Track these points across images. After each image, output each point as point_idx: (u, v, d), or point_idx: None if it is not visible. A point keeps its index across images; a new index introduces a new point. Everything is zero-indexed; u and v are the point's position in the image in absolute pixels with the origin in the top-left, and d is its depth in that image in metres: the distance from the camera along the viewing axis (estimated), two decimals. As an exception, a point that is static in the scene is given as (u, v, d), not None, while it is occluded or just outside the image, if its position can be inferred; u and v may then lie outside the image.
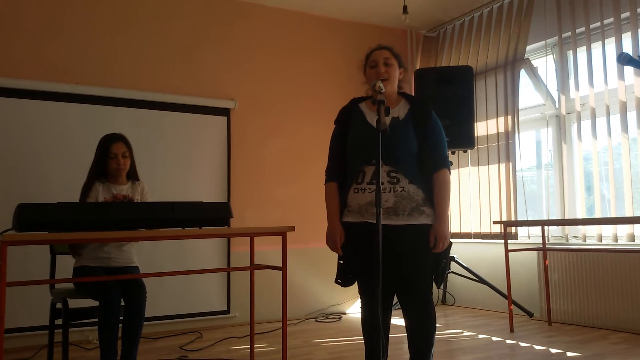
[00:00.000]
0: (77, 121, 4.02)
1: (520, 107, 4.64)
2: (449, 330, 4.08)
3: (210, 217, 2.63)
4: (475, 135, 4.61)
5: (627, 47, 3.92)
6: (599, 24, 4.08)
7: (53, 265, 3.08)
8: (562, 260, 4.18)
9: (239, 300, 4.44)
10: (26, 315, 3.65)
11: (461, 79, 4.51)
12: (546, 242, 4.19)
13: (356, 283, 2.34)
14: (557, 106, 4.53)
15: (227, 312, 4.46)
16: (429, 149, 2.26)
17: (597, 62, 4.10)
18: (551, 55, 4.56)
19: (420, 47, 5.55)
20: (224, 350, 3.56)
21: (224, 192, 4.54)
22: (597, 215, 4.09)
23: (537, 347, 3.44)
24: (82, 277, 2.89)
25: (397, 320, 2.52)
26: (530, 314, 4.44)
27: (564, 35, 4.37)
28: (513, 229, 4.49)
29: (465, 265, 4.80)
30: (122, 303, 2.82)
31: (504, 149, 4.62)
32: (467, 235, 4.96)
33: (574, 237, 4.27)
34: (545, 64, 4.54)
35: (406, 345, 2.31)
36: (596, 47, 4.15)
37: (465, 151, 4.74)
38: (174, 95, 4.39)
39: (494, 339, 3.74)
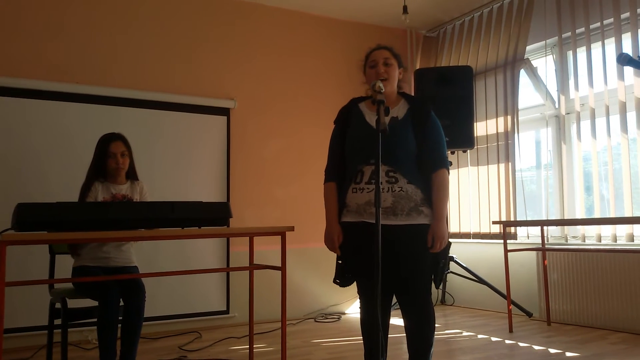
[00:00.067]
0: (76, 121, 4.02)
1: (519, 107, 4.64)
2: (448, 330, 4.08)
3: (209, 217, 2.63)
4: (475, 135, 4.61)
5: (627, 48, 3.92)
6: (598, 24, 4.08)
7: (52, 265, 3.08)
8: (562, 261, 4.18)
9: (238, 300, 4.44)
10: (25, 315, 3.65)
11: (461, 79, 4.51)
12: (545, 242, 4.19)
13: (355, 283, 2.34)
14: (556, 106, 4.53)
15: (227, 312, 4.46)
16: (427, 149, 2.26)
17: (597, 63, 4.10)
18: (551, 56, 4.57)
19: (420, 47, 5.56)
20: (223, 351, 3.56)
21: (223, 192, 4.54)
22: (597, 215, 4.09)
23: (536, 347, 3.44)
24: (81, 277, 2.89)
25: (396, 320, 2.52)
26: (529, 314, 4.44)
27: (563, 35, 4.37)
28: (512, 229, 4.49)
29: (465, 265, 4.80)
30: (121, 303, 2.82)
31: (504, 149, 4.62)
32: (467, 235, 4.96)
33: (573, 237, 4.27)
34: (545, 64, 4.54)
35: (405, 346, 2.31)
36: (596, 48, 4.16)
37: (464, 151, 4.74)
38: (174, 95, 4.39)
39: (493, 339, 3.74)
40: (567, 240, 4.29)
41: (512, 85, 4.61)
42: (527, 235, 4.53)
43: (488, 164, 4.76)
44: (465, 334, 3.94)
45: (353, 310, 4.92)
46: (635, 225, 3.81)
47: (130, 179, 3.16)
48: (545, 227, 4.19)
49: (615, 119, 3.95)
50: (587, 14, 4.17)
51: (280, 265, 2.76)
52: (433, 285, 2.29)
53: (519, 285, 4.48)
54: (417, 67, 5.39)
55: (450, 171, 3.30)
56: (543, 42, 4.55)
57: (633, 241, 3.81)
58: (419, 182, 2.23)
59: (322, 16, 5.18)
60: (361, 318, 2.33)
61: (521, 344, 3.55)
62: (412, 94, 4.12)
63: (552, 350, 3.34)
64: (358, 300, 2.36)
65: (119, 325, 2.78)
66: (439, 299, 5.25)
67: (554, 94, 4.56)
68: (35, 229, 2.27)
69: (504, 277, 3.99)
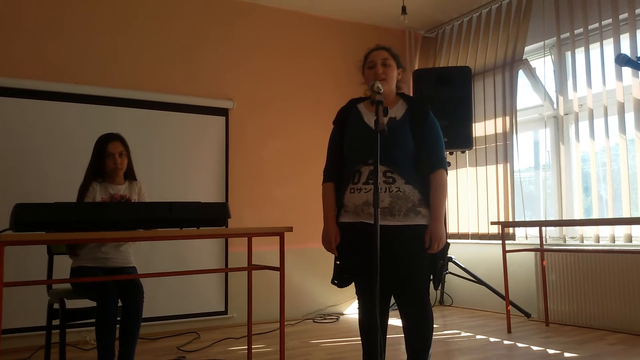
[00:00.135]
0: (75, 121, 4.02)
1: (518, 107, 4.65)
2: (446, 330, 4.09)
3: (208, 217, 2.63)
4: (474, 135, 4.62)
5: (625, 48, 3.92)
6: (597, 25, 4.09)
7: (50, 266, 3.08)
8: (560, 261, 4.19)
9: (237, 300, 4.44)
10: (23, 316, 3.64)
11: (459, 79, 4.52)
12: (544, 242, 4.20)
13: (353, 284, 2.34)
14: (555, 107, 4.54)
15: (225, 312, 4.45)
16: (426, 149, 2.26)
17: (595, 63, 4.11)
18: (549, 56, 4.57)
19: (418, 48, 5.56)
20: (221, 351, 3.55)
21: (221, 192, 4.54)
22: (595, 216, 4.09)
23: (535, 348, 3.45)
24: (79, 277, 2.89)
25: (395, 321, 2.52)
26: (527, 315, 4.44)
27: (562, 36, 4.37)
28: (511, 230, 4.49)
29: (463, 266, 4.80)
30: (120, 303, 2.81)
31: (502, 149, 4.63)
32: (465, 236, 4.97)
33: (572, 237, 4.27)
34: (543, 64, 4.55)
35: (404, 346, 2.31)
36: (594, 48, 4.16)
37: (463, 152, 4.75)
38: (173, 95, 4.39)
39: (492, 339, 3.75)
40: (565, 241, 4.29)
41: (511, 85, 4.62)
42: (526, 236, 4.53)
43: (486, 165, 4.76)
44: (463, 334, 3.95)
45: (352, 310, 4.92)
46: (633, 226, 3.81)
47: (129, 179, 3.16)
48: (543, 228, 4.20)
49: (613, 119, 3.96)
50: (586, 14, 4.17)
51: (278, 266, 2.76)
52: (431, 285, 2.29)
53: (518, 286, 4.48)
54: (416, 68, 5.39)
55: (448, 172, 3.30)
56: (541, 43, 4.55)
57: (631, 242, 3.82)
58: (416, 182, 2.23)
59: (321, 16, 5.18)
60: (360, 319, 2.33)
61: (519, 345, 3.55)
62: (411, 95, 4.12)
63: (550, 351, 3.35)
64: (356, 301, 2.36)
65: (118, 325, 2.78)
66: (438, 299, 5.25)
67: (553, 94, 4.56)
68: (33, 230, 2.27)
69: (503, 278, 3.99)
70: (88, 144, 3.16)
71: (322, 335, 4.02)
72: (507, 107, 4.63)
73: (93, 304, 2.78)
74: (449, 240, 2.30)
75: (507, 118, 4.61)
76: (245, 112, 4.72)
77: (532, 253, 4.35)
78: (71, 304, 2.77)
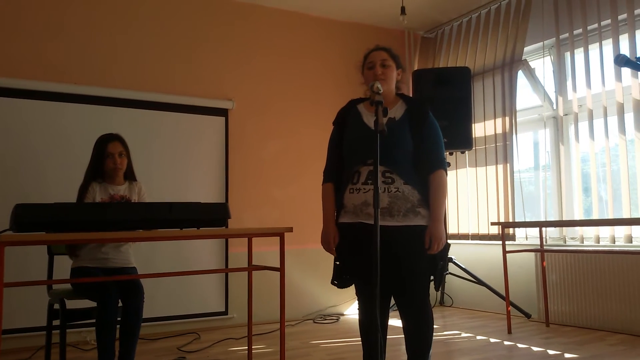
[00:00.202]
0: (75, 121, 4.02)
1: (517, 108, 4.65)
2: (446, 331, 4.09)
3: (208, 217, 2.63)
4: (473, 136, 4.62)
5: (625, 49, 3.92)
6: (596, 25, 4.09)
7: (50, 266, 3.08)
8: (560, 262, 4.19)
9: (237, 301, 4.44)
10: (23, 316, 3.64)
11: (459, 80, 4.51)
12: (544, 243, 4.19)
13: (354, 284, 2.34)
14: (554, 107, 4.54)
15: (225, 313, 4.45)
16: (425, 150, 2.26)
17: (595, 64, 4.11)
18: (549, 57, 4.57)
19: (418, 48, 5.57)
20: (221, 352, 3.55)
21: (221, 192, 4.54)
22: (595, 216, 4.09)
23: (535, 349, 3.45)
24: (79, 277, 2.89)
25: (395, 322, 2.52)
26: (528, 316, 4.44)
27: (561, 36, 4.38)
28: (511, 230, 4.49)
29: (463, 267, 4.80)
30: (120, 304, 2.81)
31: (502, 150, 4.63)
32: (465, 237, 4.97)
33: (572, 238, 4.27)
34: (542, 65, 4.55)
35: (404, 347, 2.31)
36: (593, 49, 4.16)
37: (463, 152, 4.75)
38: (172, 95, 4.39)
39: (492, 340, 3.75)
40: (565, 242, 4.30)
41: (510, 86, 4.62)
42: (526, 237, 4.54)
43: (486, 165, 4.76)
44: (464, 335, 3.95)
45: (352, 311, 4.92)
46: (633, 227, 3.81)
47: (128, 180, 3.16)
48: (543, 228, 4.20)
49: (613, 120, 3.96)
50: (585, 15, 4.18)
51: (278, 267, 2.76)
52: (432, 286, 2.29)
53: (518, 287, 4.48)
54: (415, 68, 5.40)
55: (448, 172, 3.30)
56: (541, 44, 4.55)
57: (631, 242, 3.82)
58: (415, 183, 2.23)
59: (321, 17, 5.18)
60: (360, 319, 2.33)
61: (520, 345, 3.55)
62: (410, 95, 4.12)
63: (550, 352, 3.35)
64: (357, 302, 2.36)
65: (118, 326, 2.78)
66: (438, 300, 5.25)
67: (552, 95, 4.57)
68: (33, 230, 2.27)
69: (503, 279, 3.99)
70: (88, 144, 3.16)
71: (322, 336, 4.02)
72: (507, 107, 4.63)
73: (93, 304, 2.78)
74: (449, 241, 2.29)
75: (507, 118, 4.61)
76: (245, 112, 4.72)
77: (532, 254, 4.34)
78: (71, 304, 2.77)
